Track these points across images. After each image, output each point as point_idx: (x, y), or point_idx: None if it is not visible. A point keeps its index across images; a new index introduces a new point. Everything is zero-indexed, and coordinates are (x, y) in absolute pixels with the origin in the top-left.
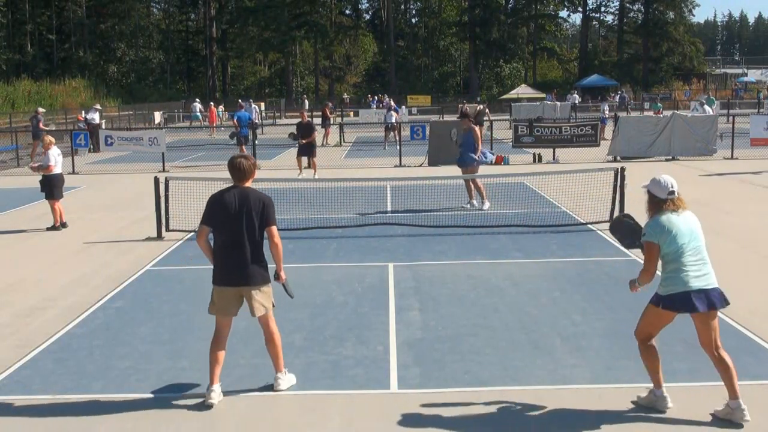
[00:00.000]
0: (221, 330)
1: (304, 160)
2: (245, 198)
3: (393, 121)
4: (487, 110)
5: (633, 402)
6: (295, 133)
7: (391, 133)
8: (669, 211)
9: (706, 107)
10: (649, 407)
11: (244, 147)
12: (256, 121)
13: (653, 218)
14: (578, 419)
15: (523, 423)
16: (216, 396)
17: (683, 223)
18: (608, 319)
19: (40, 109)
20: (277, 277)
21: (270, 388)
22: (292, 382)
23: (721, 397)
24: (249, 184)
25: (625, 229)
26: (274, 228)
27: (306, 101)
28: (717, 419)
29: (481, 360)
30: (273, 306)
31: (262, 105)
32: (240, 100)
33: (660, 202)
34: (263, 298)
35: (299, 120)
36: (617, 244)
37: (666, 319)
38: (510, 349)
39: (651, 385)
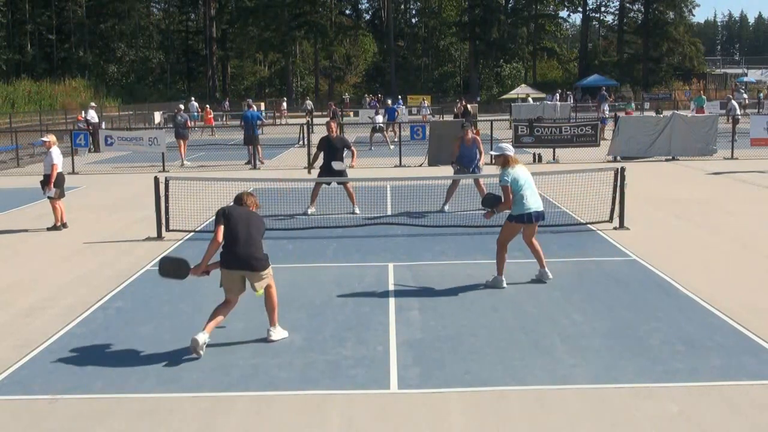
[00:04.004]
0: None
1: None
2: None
3: (380, 122)
4: (470, 108)
5: (483, 284)
6: None
7: (377, 134)
8: (512, 164)
9: (734, 103)
10: (494, 287)
11: (249, 147)
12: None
13: (505, 170)
14: (578, 419)
15: (523, 423)
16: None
17: (522, 173)
18: (608, 319)
19: (182, 107)
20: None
21: (270, 386)
22: (284, 334)
23: (719, 397)
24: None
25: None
26: None
27: (309, 101)
28: (534, 281)
29: (481, 360)
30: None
31: (263, 105)
32: (249, 100)
33: (509, 159)
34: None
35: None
36: (618, 244)
37: (516, 230)
38: (510, 349)
39: (650, 384)
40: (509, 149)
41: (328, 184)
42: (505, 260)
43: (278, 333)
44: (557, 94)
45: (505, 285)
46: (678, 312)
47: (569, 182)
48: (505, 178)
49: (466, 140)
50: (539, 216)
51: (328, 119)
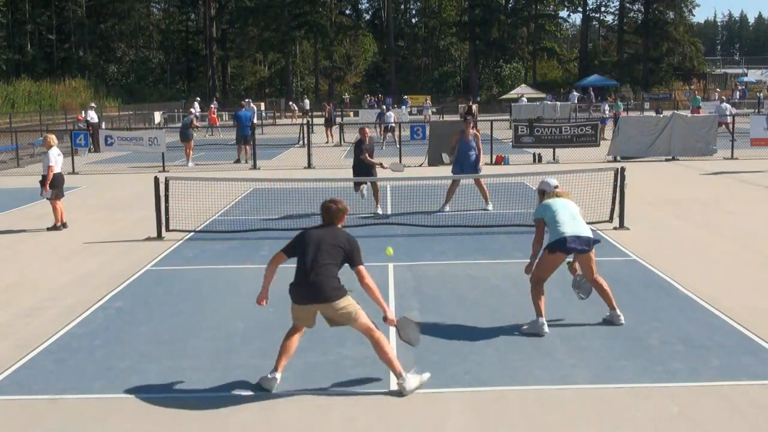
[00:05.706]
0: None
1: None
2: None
3: (392, 122)
4: (474, 108)
5: (518, 331)
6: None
7: (389, 134)
8: (550, 196)
9: (726, 105)
10: (532, 333)
11: (246, 147)
12: (255, 121)
13: (540, 204)
14: (578, 419)
15: (523, 423)
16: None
17: (559, 202)
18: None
19: (192, 110)
20: (385, 319)
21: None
22: (414, 383)
23: (719, 397)
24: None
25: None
26: (361, 268)
27: (306, 101)
28: (605, 321)
29: (481, 360)
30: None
31: (262, 105)
32: (248, 99)
33: (546, 194)
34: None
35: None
36: (618, 244)
37: (553, 262)
38: (510, 349)
39: (650, 384)
40: (549, 185)
41: (365, 183)
42: (543, 301)
43: (410, 381)
44: (574, 94)
45: (546, 330)
46: (678, 312)
47: (569, 182)
48: (538, 211)
49: (467, 134)
50: (581, 241)
51: (361, 126)
